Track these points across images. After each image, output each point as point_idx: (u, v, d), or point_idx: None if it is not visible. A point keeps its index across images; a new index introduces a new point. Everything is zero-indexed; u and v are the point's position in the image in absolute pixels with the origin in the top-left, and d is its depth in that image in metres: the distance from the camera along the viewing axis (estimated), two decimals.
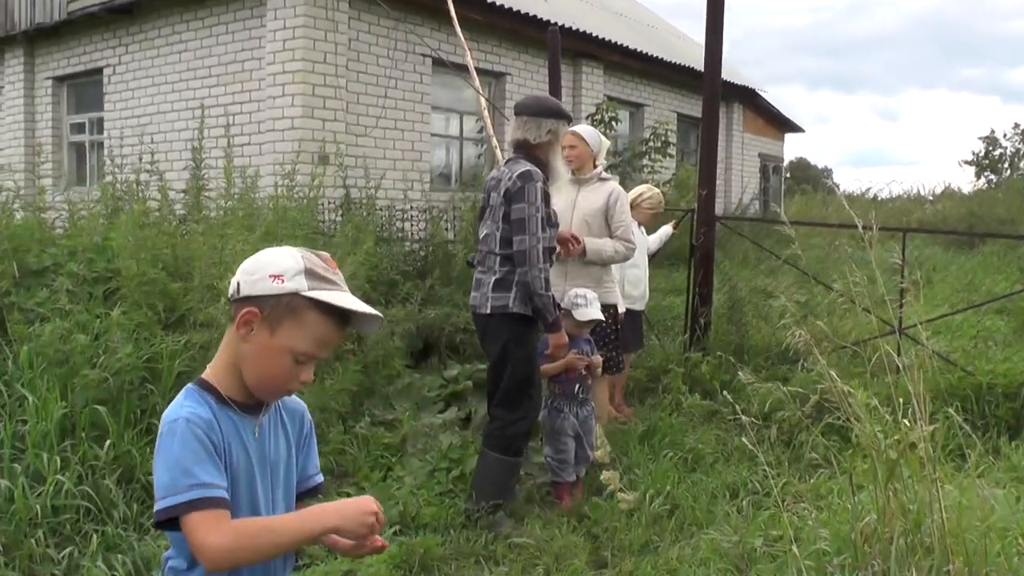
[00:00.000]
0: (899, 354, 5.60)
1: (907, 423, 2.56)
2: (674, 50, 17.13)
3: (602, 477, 4.44)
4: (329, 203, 8.25)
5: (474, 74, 8.42)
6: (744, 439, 5.03)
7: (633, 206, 6.12)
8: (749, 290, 7.67)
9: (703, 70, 7.34)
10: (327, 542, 1.83)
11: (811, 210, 19.42)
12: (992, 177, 31.93)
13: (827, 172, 54.43)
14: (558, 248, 4.64)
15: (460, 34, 8.50)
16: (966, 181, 37.12)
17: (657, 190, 6.79)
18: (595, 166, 5.36)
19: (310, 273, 1.76)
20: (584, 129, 5.41)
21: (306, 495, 1.99)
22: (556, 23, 10.70)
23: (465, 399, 5.99)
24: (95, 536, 3.56)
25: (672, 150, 14.70)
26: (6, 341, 4.55)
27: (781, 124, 21.94)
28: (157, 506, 1.65)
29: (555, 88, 7.79)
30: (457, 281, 7.33)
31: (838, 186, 23.15)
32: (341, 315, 1.78)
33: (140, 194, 6.42)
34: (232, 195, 6.36)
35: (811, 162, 53.29)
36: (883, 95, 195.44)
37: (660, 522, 4.25)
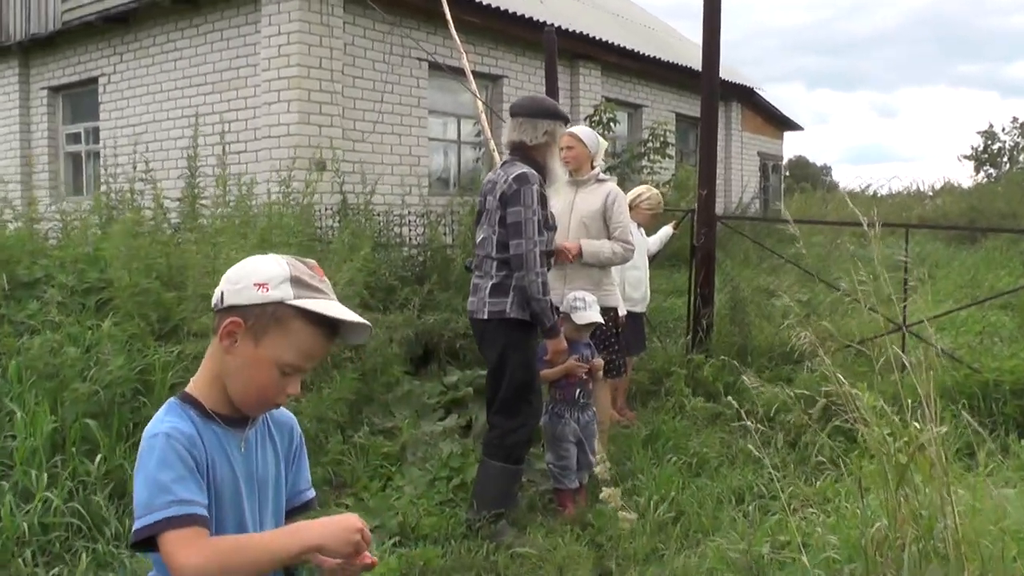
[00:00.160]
0: (904, 351, 5.55)
1: (917, 425, 2.48)
2: (672, 50, 17.06)
3: (602, 495, 4.33)
4: (326, 209, 8.19)
5: (471, 77, 8.35)
6: (749, 443, 4.99)
7: (632, 207, 6.05)
8: (751, 290, 7.60)
9: (701, 69, 7.26)
10: (315, 561, 1.76)
11: (811, 208, 19.38)
12: (991, 171, 31.89)
13: (826, 170, 54.43)
14: (557, 252, 4.57)
15: (456, 37, 8.44)
16: (966, 176, 37.12)
17: (656, 191, 6.72)
18: (593, 167, 5.29)
19: (296, 281, 1.69)
20: (581, 130, 5.34)
21: (297, 512, 1.92)
22: (552, 24, 10.61)
23: (466, 406, 5.92)
24: (85, 554, 3.48)
25: (671, 150, 14.62)
26: None
27: (780, 123, 21.88)
28: (135, 526, 1.59)
29: (552, 90, 7.71)
30: (456, 286, 7.27)
31: (838, 184, 23.13)
32: (329, 325, 1.71)
33: (134, 203, 6.36)
34: (227, 203, 6.30)
35: (810, 160, 53.28)
36: (882, 92, 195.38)
37: (665, 529, 4.17)
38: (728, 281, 7.38)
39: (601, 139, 5.49)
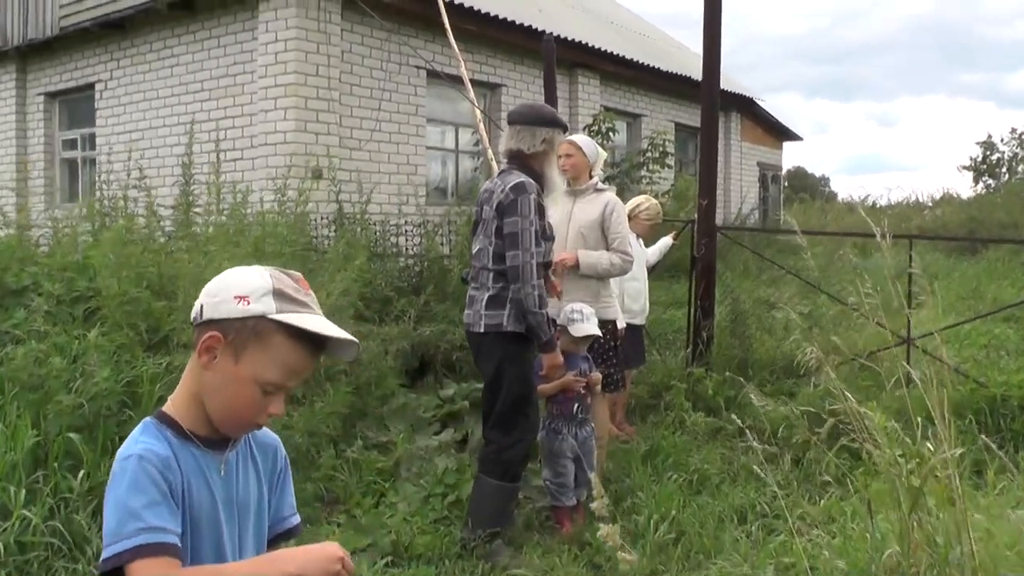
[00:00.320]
0: (909, 364, 5.44)
1: (930, 447, 2.37)
2: (670, 59, 17.00)
3: (599, 534, 4.17)
4: (322, 218, 8.09)
5: (469, 86, 8.26)
6: (751, 461, 4.88)
7: (630, 217, 5.95)
8: (752, 302, 7.49)
9: (701, 79, 7.18)
10: None
11: (810, 218, 19.33)
12: (991, 182, 31.80)
13: (824, 180, 54.46)
14: (554, 263, 4.47)
15: (454, 45, 8.34)
16: (965, 186, 37.05)
17: (655, 201, 6.62)
18: (591, 177, 5.20)
19: (279, 294, 1.60)
20: (581, 138, 5.25)
21: (281, 538, 1.83)
22: (551, 33, 10.53)
23: (462, 419, 5.81)
24: (64, 574, 3.36)
25: (670, 160, 14.53)
26: None
27: (779, 133, 21.83)
28: (103, 554, 1.50)
29: (551, 99, 7.63)
30: (453, 297, 7.16)
31: (836, 194, 23.12)
32: (313, 341, 1.61)
33: (127, 210, 6.25)
34: (221, 211, 6.19)
35: (808, 170, 53.32)
36: (880, 101, 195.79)
37: (666, 550, 4.05)
38: (728, 293, 7.28)
39: (600, 148, 5.40)
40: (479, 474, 4.22)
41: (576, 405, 4.54)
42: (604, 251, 4.96)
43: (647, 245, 6.73)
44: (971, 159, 33.47)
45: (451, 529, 4.31)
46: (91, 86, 12.31)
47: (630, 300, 5.99)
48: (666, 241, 7.13)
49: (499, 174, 4.33)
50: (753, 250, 9.64)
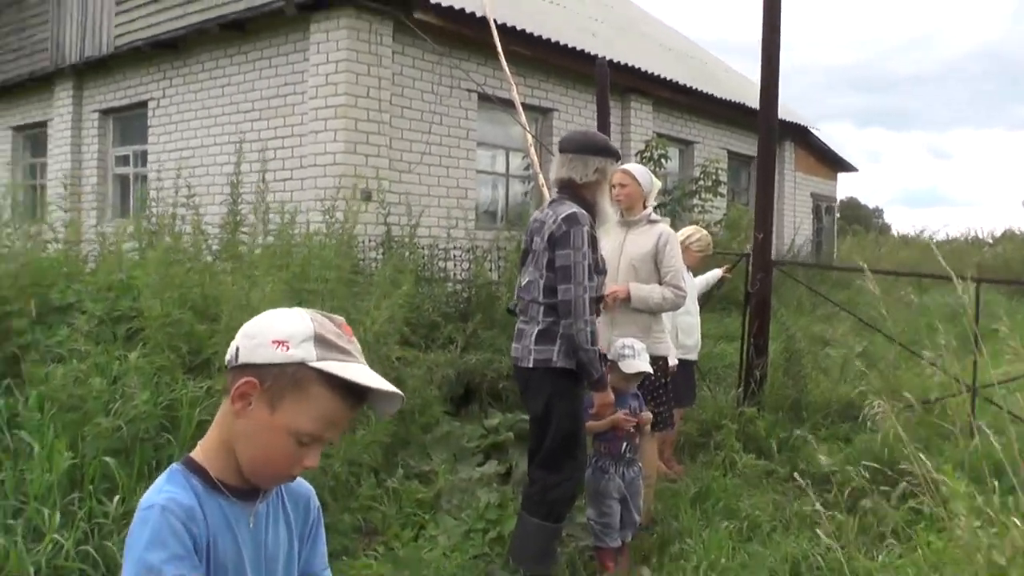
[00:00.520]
0: (973, 414, 5.20)
1: (1016, 522, 2.18)
2: (722, 84, 16.80)
3: None
4: (370, 241, 8.03)
5: (520, 109, 8.19)
6: (803, 505, 4.67)
7: (681, 248, 5.79)
8: (807, 339, 7.26)
9: (758, 107, 7.01)
10: None
11: (864, 251, 18.95)
12: None
13: (878, 212, 53.66)
14: (605, 296, 4.32)
15: (506, 68, 8.28)
16: None
17: (705, 232, 6.44)
18: (645, 207, 5.05)
19: (320, 340, 1.49)
20: (636, 168, 5.11)
21: None
22: (604, 57, 10.44)
23: (506, 451, 5.66)
24: None
25: (723, 188, 14.31)
26: (22, 383, 4.31)
27: (833, 163, 21.47)
28: None
29: (604, 124, 7.50)
30: (500, 325, 7.04)
31: (890, 227, 22.69)
32: (355, 392, 1.51)
33: (175, 228, 6.22)
34: (267, 232, 6.15)
35: (861, 201, 52.57)
36: (936, 132, 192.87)
37: None
38: (783, 330, 7.06)
39: (655, 178, 5.25)
40: (522, 512, 4.07)
41: (625, 444, 4.37)
42: (656, 285, 4.81)
43: (695, 275, 6.56)
44: None
45: (491, 566, 4.16)
46: (144, 104, 12.45)
47: (683, 335, 5.82)
48: (715, 273, 6.94)
49: (550, 203, 4.20)
50: (808, 286, 9.40)
